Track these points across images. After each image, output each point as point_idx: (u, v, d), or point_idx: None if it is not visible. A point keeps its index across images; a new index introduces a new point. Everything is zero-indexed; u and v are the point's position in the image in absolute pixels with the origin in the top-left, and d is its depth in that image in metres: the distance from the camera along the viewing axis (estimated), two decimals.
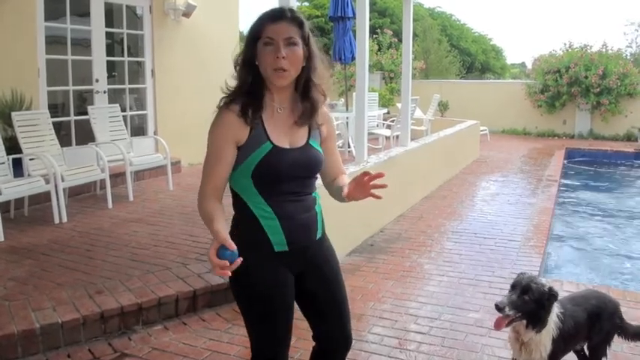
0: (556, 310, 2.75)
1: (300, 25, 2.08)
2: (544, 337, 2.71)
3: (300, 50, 2.07)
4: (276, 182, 2.09)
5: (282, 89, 2.13)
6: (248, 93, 2.09)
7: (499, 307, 2.62)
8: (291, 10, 2.10)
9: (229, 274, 1.83)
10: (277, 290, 2.17)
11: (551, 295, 2.66)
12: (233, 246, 1.86)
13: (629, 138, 14.86)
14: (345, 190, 2.14)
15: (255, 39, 2.06)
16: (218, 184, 2.08)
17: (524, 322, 2.68)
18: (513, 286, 2.70)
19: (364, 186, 2.07)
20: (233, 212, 2.20)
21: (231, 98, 2.11)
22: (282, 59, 2.02)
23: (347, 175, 2.37)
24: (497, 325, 2.68)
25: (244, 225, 2.14)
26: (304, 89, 2.16)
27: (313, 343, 2.39)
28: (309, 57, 2.12)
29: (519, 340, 2.77)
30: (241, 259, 1.86)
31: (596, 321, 2.93)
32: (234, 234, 2.02)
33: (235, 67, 2.13)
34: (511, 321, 2.67)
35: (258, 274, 2.13)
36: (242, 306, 2.21)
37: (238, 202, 2.16)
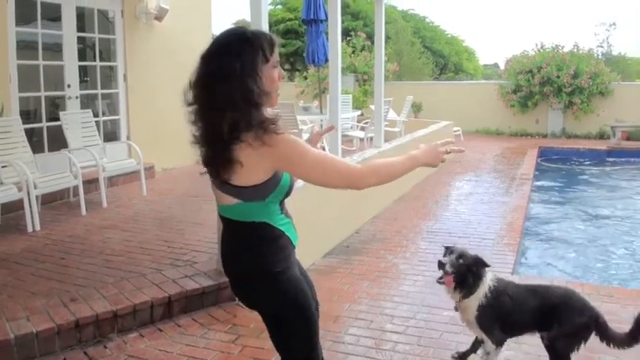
0: (489, 282, 3.10)
1: None
2: (472, 302, 3.09)
3: None
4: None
5: None
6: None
7: (442, 264, 3.03)
8: None
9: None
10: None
11: (478, 263, 3.08)
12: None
13: (601, 136, 15.08)
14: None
15: (264, 62, 2.05)
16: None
17: (454, 284, 3.06)
18: (451, 252, 3.09)
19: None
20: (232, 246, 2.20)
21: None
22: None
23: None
24: (448, 283, 3.07)
25: (272, 247, 2.13)
26: None
27: None
28: None
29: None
30: None
31: (549, 315, 3.07)
32: (258, 262, 2.10)
33: (251, 94, 1.99)
34: (453, 279, 3.06)
35: (297, 276, 2.19)
36: (297, 312, 2.18)
37: (260, 231, 2.11)
